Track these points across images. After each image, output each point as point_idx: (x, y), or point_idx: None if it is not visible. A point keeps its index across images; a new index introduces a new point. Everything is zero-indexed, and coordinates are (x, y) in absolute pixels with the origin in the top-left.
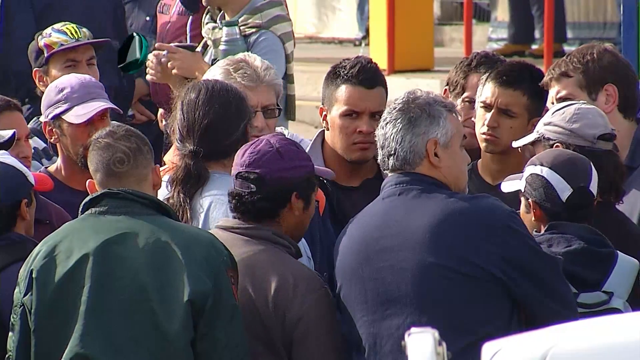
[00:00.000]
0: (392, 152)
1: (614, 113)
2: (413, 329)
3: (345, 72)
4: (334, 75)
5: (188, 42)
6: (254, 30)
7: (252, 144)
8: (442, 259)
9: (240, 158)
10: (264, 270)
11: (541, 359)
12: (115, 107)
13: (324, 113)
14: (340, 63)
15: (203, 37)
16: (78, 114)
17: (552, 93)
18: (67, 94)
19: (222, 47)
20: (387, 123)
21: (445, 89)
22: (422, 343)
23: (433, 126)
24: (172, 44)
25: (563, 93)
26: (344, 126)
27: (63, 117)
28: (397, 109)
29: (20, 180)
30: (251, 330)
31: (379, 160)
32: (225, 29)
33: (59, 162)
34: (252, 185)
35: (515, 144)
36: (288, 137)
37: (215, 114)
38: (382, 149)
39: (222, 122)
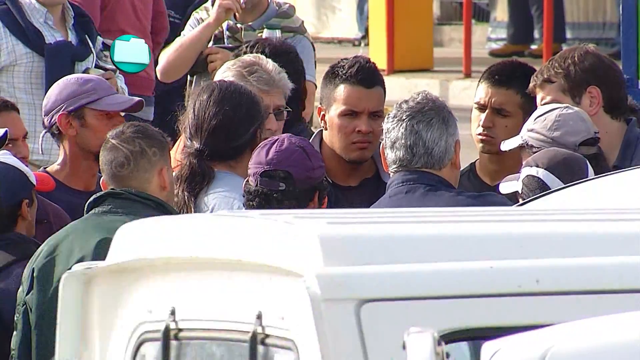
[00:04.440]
0: (428, 150)
1: (600, 115)
2: (412, 328)
3: (344, 71)
4: (333, 75)
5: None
6: (290, 34)
7: (273, 143)
8: None
9: (265, 156)
10: None
11: (541, 359)
12: (142, 98)
13: (322, 113)
14: (339, 63)
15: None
16: (112, 103)
17: (538, 99)
18: (95, 86)
19: None
20: (419, 122)
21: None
22: (421, 343)
23: (456, 128)
24: (214, 46)
25: (547, 99)
26: (343, 126)
27: (91, 106)
28: (428, 108)
29: (21, 181)
30: None
31: (392, 157)
32: (266, 31)
33: (60, 161)
34: (281, 184)
35: (502, 147)
36: None
37: (225, 115)
38: (410, 148)
39: (231, 123)
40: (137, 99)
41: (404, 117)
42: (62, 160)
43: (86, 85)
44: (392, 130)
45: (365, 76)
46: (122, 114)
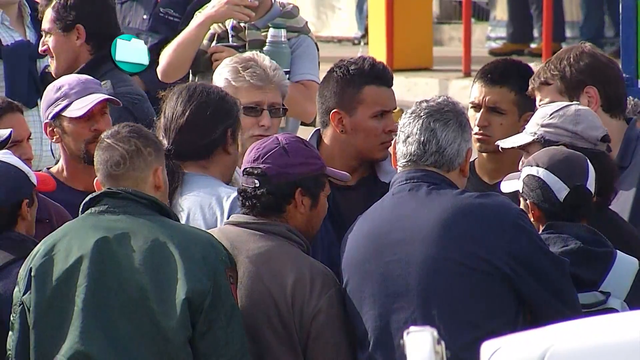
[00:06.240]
0: (440, 149)
1: (599, 114)
2: (412, 328)
3: (366, 73)
4: (351, 78)
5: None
6: (295, 34)
7: (261, 141)
8: (451, 253)
9: (248, 155)
10: (281, 264)
11: (540, 358)
12: (114, 98)
13: (339, 117)
14: (349, 65)
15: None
16: (77, 108)
17: (537, 102)
18: (66, 91)
19: (266, 48)
20: (436, 120)
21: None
22: (421, 342)
23: (470, 136)
24: (219, 44)
25: (545, 101)
26: (375, 127)
27: (63, 114)
28: (448, 109)
29: (21, 181)
30: (268, 323)
31: (403, 150)
32: (271, 30)
33: (61, 162)
34: (256, 181)
35: (503, 144)
36: None
37: (191, 114)
38: (423, 144)
39: (197, 122)
40: (104, 96)
41: (421, 114)
42: (62, 162)
43: (58, 92)
44: (407, 125)
45: (388, 76)
46: (107, 112)
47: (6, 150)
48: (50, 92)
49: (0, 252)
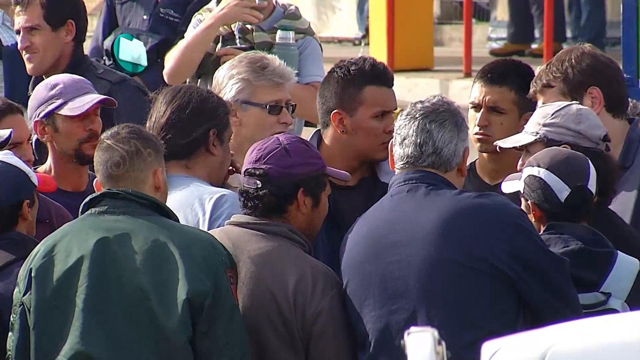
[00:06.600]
0: (437, 150)
1: (602, 114)
2: (413, 328)
3: (367, 73)
4: (351, 78)
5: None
6: (300, 35)
7: (261, 142)
8: (450, 253)
9: (249, 156)
10: (283, 265)
11: (540, 358)
12: (111, 98)
13: (340, 117)
14: (350, 65)
15: None
16: (74, 107)
17: (539, 104)
18: (61, 89)
19: (275, 50)
20: (432, 121)
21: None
22: (422, 342)
23: (467, 135)
24: (229, 47)
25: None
26: (375, 127)
27: (58, 112)
28: (443, 110)
29: (22, 181)
30: (270, 324)
31: (400, 153)
32: (279, 32)
33: (48, 163)
34: (258, 181)
35: (504, 144)
36: None
37: (171, 114)
38: (420, 146)
39: (177, 121)
40: (101, 97)
41: (417, 116)
42: (49, 163)
43: (53, 90)
44: (403, 127)
45: (388, 76)
46: (99, 112)
47: (7, 151)
48: (42, 90)
49: (0, 252)
